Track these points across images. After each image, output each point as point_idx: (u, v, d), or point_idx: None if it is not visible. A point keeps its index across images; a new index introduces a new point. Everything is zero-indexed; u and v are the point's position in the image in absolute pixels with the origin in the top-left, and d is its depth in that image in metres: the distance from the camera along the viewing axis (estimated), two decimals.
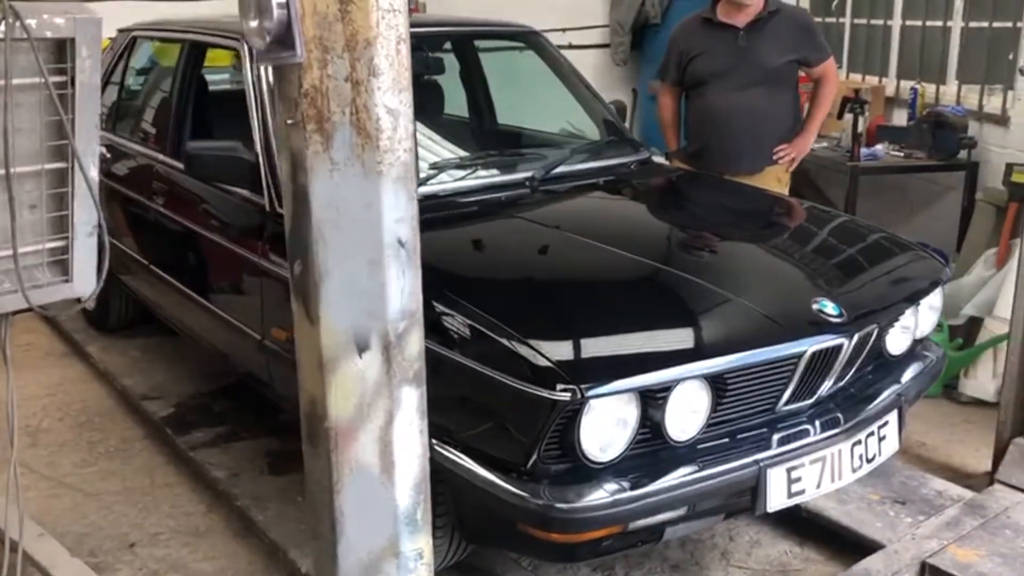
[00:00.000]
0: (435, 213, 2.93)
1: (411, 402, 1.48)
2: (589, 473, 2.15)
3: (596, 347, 2.21)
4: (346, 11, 1.30)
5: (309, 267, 1.41)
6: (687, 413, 2.22)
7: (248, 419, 3.74)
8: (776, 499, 2.31)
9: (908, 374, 2.74)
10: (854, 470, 2.45)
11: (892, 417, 2.57)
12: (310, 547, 2.89)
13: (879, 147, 4.72)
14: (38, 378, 4.41)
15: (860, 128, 4.52)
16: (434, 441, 2.28)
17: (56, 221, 2.06)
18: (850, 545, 2.95)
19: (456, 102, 3.95)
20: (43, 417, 4.07)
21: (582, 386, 2.04)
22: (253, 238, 3.00)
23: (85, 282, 2.16)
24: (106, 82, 4.35)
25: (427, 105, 3.47)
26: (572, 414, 2.07)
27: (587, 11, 7.51)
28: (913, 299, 2.68)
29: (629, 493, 2.14)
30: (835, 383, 2.49)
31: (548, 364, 2.08)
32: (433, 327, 2.29)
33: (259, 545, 3.05)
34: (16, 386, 4.52)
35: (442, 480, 2.33)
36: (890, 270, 2.79)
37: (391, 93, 1.35)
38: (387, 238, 1.39)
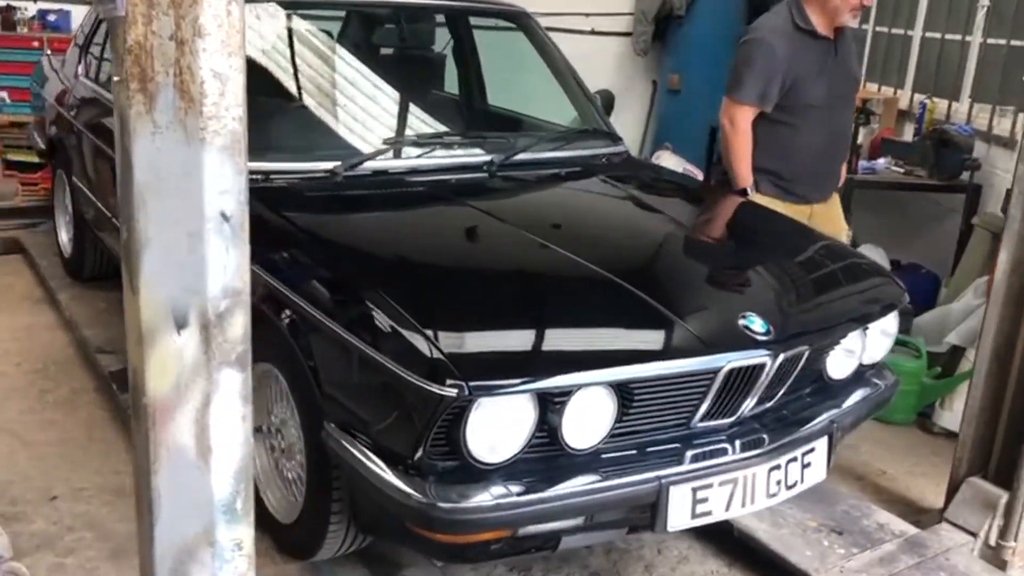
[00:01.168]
0: (378, 190, 2.86)
1: (232, 386, 1.39)
2: (477, 473, 2.06)
3: (495, 344, 2.12)
4: None
5: (131, 234, 1.33)
6: (588, 420, 2.12)
7: None
8: (678, 518, 2.21)
9: (849, 400, 2.62)
10: (770, 495, 2.33)
11: (821, 444, 2.45)
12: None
13: (881, 161, 4.56)
14: (7, 321, 4.41)
15: (859, 140, 4.35)
16: (331, 426, 2.22)
17: None
18: (778, 571, 2.84)
19: (439, 79, 3.85)
20: (3, 361, 4.07)
21: (470, 383, 1.94)
22: None
23: None
24: (92, 31, 4.32)
25: (401, 79, 3.37)
26: (459, 411, 1.98)
27: None
28: (860, 322, 2.55)
29: (516, 498, 2.05)
30: (760, 403, 2.37)
31: (439, 356, 1.99)
32: (339, 309, 2.22)
33: None
34: None
35: (337, 466, 2.26)
36: (840, 291, 2.66)
37: (219, 55, 1.25)
38: (209, 210, 1.30)
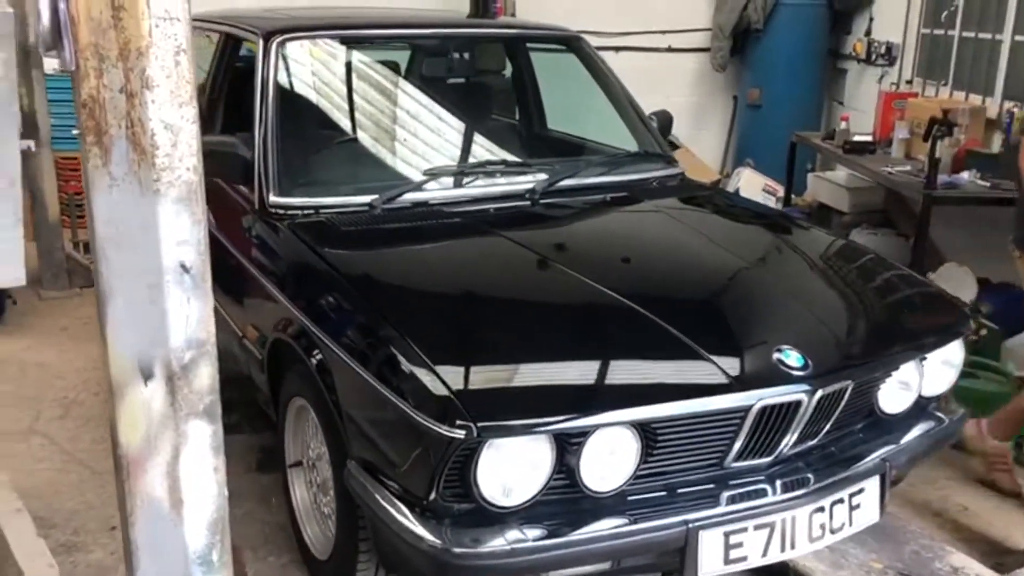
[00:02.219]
0: (413, 223, 2.83)
1: (202, 438, 1.38)
2: (493, 517, 2.00)
3: (509, 381, 2.05)
4: (118, 17, 1.21)
5: (97, 286, 1.33)
6: (609, 462, 2.03)
7: (256, 413, 3.74)
8: (710, 564, 2.09)
9: (906, 437, 2.44)
10: (812, 540, 2.19)
11: (872, 484, 2.29)
12: (261, 551, 2.87)
13: (965, 174, 4.30)
14: (89, 351, 4.57)
15: (939, 153, 4.11)
16: (353, 464, 2.20)
17: None
18: None
19: (489, 106, 3.81)
20: (81, 390, 4.22)
21: (479, 424, 1.88)
22: (242, 235, 2.98)
23: (13, 271, 2.17)
24: None
25: (449, 107, 3.35)
26: (470, 452, 1.92)
27: (691, 14, 7.23)
28: (914, 353, 2.38)
29: (534, 543, 1.98)
30: (802, 440, 2.23)
31: (448, 396, 1.94)
32: (357, 345, 2.20)
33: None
34: (68, 357, 4.73)
35: (362, 506, 2.23)
36: (892, 319, 2.49)
37: (169, 107, 1.25)
38: (167, 262, 1.29)
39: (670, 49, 7.30)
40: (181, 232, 1.29)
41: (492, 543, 1.96)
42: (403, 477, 2.05)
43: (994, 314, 4.12)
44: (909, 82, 5.87)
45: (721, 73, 7.17)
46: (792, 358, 2.15)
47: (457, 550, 1.95)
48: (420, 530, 1.98)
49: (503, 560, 1.97)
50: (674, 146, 7.07)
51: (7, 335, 4.78)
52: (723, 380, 2.09)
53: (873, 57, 6.27)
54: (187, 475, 1.39)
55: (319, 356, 2.34)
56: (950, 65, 5.32)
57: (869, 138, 5.21)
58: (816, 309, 2.41)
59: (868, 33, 6.42)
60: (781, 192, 6.23)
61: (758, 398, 2.07)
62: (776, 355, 2.15)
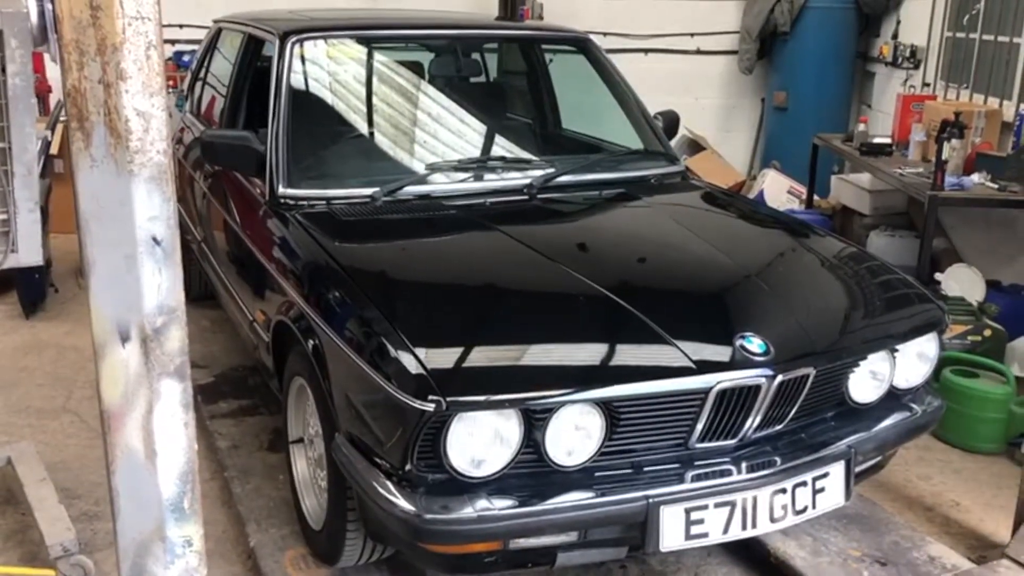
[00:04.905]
0: (411, 215, 2.97)
1: (172, 395, 1.53)
2: (465, 487, 2.13)
3: (481, 361, 2.18)
4: (96, 16, 1.36)
5: (82, 256, 1.49)
6: (574, 438, 2.15)
7: (273, 397, 3.92)
8: (672, 539, 2.19)
9: (877, 426, 2.52)
10: (774, 520, 2.28)
11: (837, 469, 2.37)
12: (264, 523, 3.03)
13: (974, 176, 4.32)
14: None
15: (948, 155, 4.14)
16: (340, 438, 2.34)
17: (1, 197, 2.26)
18: None
19: (496, 104, 3.95)
20: None
21: (448, 398, 2.02)
22: (254, 224, 3.15)
23: (31, 253, 2.36)
24: (198, 68, 4.67)
25: (458, 106, 3.50)
26: (440, 424, 2.06)
27: (719, 17, 7.29)
28: (881, 344, 2.46)
29: (499, 512, 2.10)
30: (768, 424, 2.33)
31: (422, 372, 2.07)
32: (345, 328, 2.35)
33: (238, 516, 3.20)
34: None
35: (347, 476, 2.37)
36: (861, 311, 2.57)
37: (141, 96, 1.40)
38: (140, 235, 1.44)
39: (699, 52, 7.38)
40: (153, 208, 1.44)
41: (461, 511, 2.09)
42: (382, 449, 2.19)
43: (1002, 316, 4.14)
44: (927, 85, 5.88)
45: (748, 76, 7.22)
46: (754, 344, 2.24)
47: (428, 516, 2.08)
48: (396, 498, 2.12)
49: (471, 527, 2.10)
50: (699, 147, 7.17)
51: (48, 320, 5.04)
52: (685, 363, 2.19)
53: (899, 60, 6.28)
54: (160, 429, 1.54)
55: (314, 337, 2.49)
56: (971, 68, 5.33)
57: (888, 140, 5.24)
58: (786, 299, 2.50)
59: (895, 36, 6.43)
60: (804, 195, 6.27)
61: (717, 381, 2.17)
62: (739, 341, 2.25)
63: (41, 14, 1.36)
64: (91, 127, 1.42)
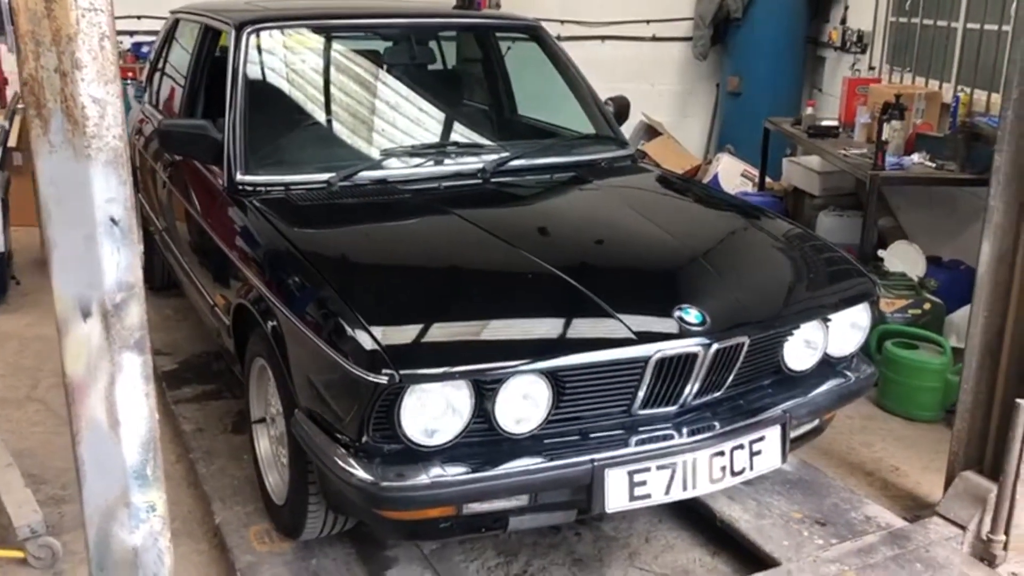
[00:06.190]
0: (365, 199, 3.06)
1: (133, 367, 1.61)
2: (419, 456, 2.23)
3: (432, 336, 2.28)
4: (50, 9, 1.44)
5: (44, 237, 1.57)
6: (523, 406, 2.26)
7: (236, 381, 3.99)
8: (616, 500, 2.32)
9: (811, 392, 2.66)
10: (713, 481, 2.41)
11: (772, 433, 2.51)
12: (229, 501, 3.11)
13: (914, 156, 4.49)
14: None
15: (889, 135, 4.30)
16: (299, 414, 2.44)
17: None
18: (757, 560, 2.89)
19: (450, 91, 4.04)
20: None
21: (401, 371, 2.12)
22: (212, 210, 3.22)
23: None
24: (156, 59, 4.71)
25: (412, 93, 3.59)
26: (394, 397, 2.16)
27: (674, 3, 7.42)
28: (813, 315, 2.59)
29: (451, 477, 2.21)
30: (707, 391, 2.46)
31: (376, 348, 2.17)
32: (303, 309, 2.44)
33: (203, 496, 3.28)
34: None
35: (306, 450, 2.46)
36: (796, 282, 2.70)
37: (96, 84, 1.48)
38: (99, 215, 1.53)
39: (655, 38, 7.50)
40: (110, 191, 1.53)
41: (416, 478, 2.20)
42: (340, 424, 2.29)
43: (941, 290, 4.31)
44: (873, 68, 6.06)
45: (703, 62, 7.36)
46: (691, 315, 2.37)
47: (385, 484, 2.19)
48: (354, 468, 2.22)
49: (425, 492, 2.20)
50: (656, 132, 7.30)
51: (10, 313, 5.06)
52: (627, 335, 2.31)
53: (847, 45, 6.45)
54: (122, 400, 1.62)
55: (273, 319, 2.58)
56: (914, 52, 5.50)
57: (835, 123, 5.40)
58: (725, 274, 2.63)
59: (843, 21, 6.60)
60: (757, 177, 6.42)
61: (656, 350, 2.29)
62: (678, 313, 2.38)
63: None
64: (48, 114, 1.50)
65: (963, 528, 2.92)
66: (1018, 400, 2.78)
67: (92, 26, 1.46)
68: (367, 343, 2.19)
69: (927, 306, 4.23)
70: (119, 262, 1.57)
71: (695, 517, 3.11)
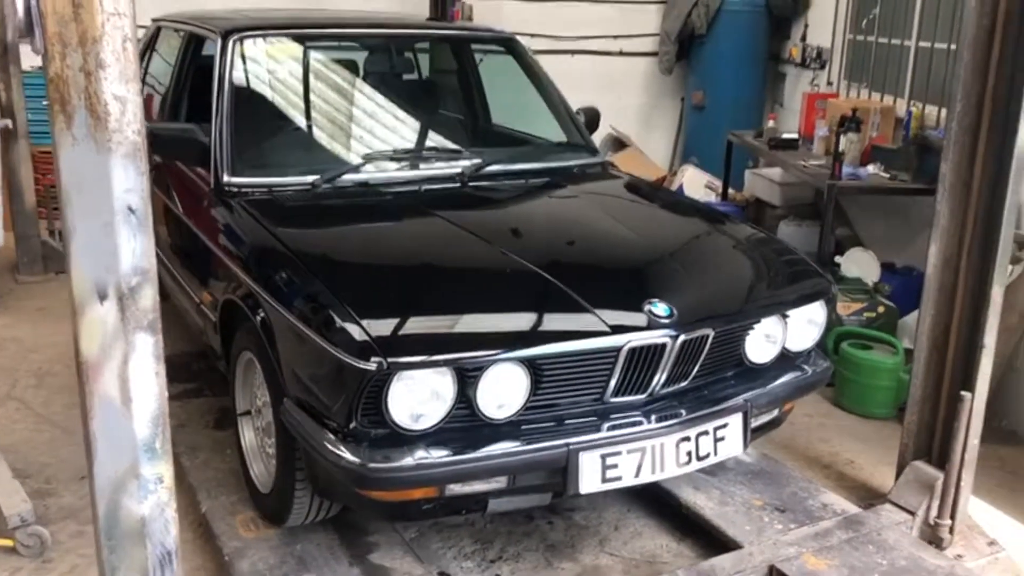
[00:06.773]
0: (350, 200, 3.20)
1: (146, 347, 1.73)
2: (404, 440, 2.36)
3: (418, 328, 2.42)
4: (78, 13, 1.57)
5: (64, 225, 1.69)
6: (502, 393, 2.40)
7: (217, 379, 4.09)
8: (589, 482, 2.46)
9: (771, 384, 2.83)
10: (680, 464, 2.57)
11: (735, 420, 2.67)
12: (214, 492, 3.22)
13: (870, 167, 4.71)
14: (64, 328, 4.90)
15: (844, 147, 4.52)
16: (288, 402, 2.56)
17: None
18: (721, 545, 3.05)
19: (429, 100, 4.19)
20: (55, 362, 4.55)
21: (388, 359, 2.25)
22: (199, 211, 3.34)
23: None
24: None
25: (393, 101, 3.73)
26: (381, 383, 2.29)
27: (641, 20, 7.63)
28: (772, 310, 2.77)
29: (435, 460, 2.35)
30: (674, 381, 2.61)
31: (366, 339, 2.30)
32: (294, 303, 2.57)
33: (188, 488, 3.37)
34: (43, 333, 5.03)
35: (295, 436, 2.58)
36: (757, 280, 2.88)
37: (118, 83, 1.60)
38: (117, 205, 1.65)
39: (622, 53, 7.72)
40: (128, 181, 1.65)
41: (401, 460, 2.33)
42: (329, 411, 2.41)
43: (894, 294, 4.53)
44: (831, 84, 6.31)
45: (668, 76, 7.58)
46: (660, 308, 2.53)
47: (372, 465, 2.32)
48: (342, 451, 2.35)
49: (409, 473, 2.34)
50: (623, 145, 7.49)
51: None
52: (600, 327, 2.47)
53: (807, 61, 6.70)
54: (135, 377, 1.74)
55: (262, 312, 2.70)
56: (870, 68, 5.74)
57: (795, 136, 5.63)
58: (691, 271, 2.80)
59: (804, 39, 6.85)
60: (720, 188, 6.63)
61: (627, 341, 2.45)
62: (647, 306, 2.54)
63: (27, 10, 1.56)
64: (73, 110, 1.62)
65: (912, 514, 3.10)
66: (963, 393, 2.98)
67: (116, 29, 1.59)
68: (357, 334, 2.32)
69: (881, 309, 4.44)
70: (135, 248, 1.69)
71: (662, 506, 3.26)
